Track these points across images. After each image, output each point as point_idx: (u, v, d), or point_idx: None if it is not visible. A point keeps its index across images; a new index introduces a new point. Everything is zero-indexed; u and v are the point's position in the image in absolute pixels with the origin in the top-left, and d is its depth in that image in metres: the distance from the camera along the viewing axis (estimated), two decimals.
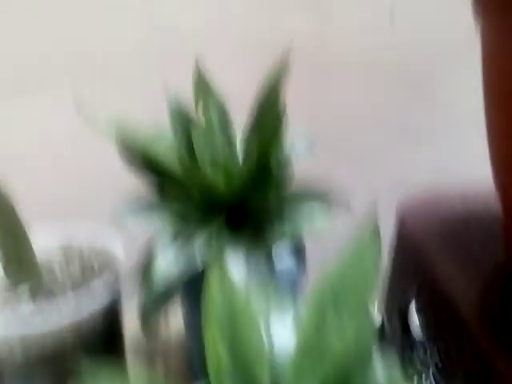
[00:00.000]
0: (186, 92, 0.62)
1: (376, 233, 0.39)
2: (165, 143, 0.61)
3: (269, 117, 0.57)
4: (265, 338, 0.39)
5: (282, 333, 0.40)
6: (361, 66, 0.82)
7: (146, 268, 0.55)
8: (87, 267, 0.65)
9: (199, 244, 0.54)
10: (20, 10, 0.73)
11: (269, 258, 0.56)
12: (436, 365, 0.52)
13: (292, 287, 0.61)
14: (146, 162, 0.59)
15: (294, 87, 0.58)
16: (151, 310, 0.54)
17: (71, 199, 0.80)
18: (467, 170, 0.85)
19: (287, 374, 0.36)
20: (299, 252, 0.61)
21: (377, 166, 0.88)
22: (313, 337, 0.37)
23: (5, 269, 0.60)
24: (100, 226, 0.67)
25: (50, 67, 0.76)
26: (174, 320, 0.73)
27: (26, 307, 0.58)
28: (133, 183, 0.60)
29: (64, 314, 0.55)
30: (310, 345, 0.37)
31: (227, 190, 0.57)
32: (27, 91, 0.77)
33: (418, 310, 0.55)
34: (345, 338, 0.37)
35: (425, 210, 0.63)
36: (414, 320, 0.57)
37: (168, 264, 0.52)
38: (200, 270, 0.54)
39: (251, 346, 0.37)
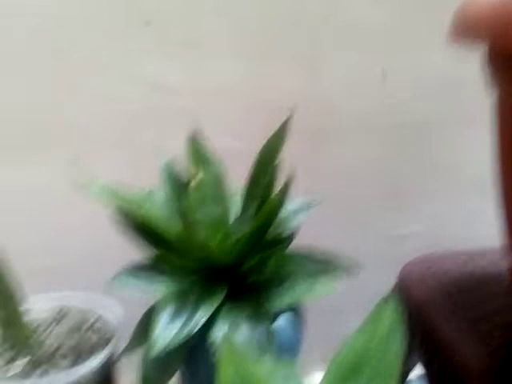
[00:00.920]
0: (179, 153, 0.61)
1: (398, 315, 0.38)
2: (158, 207, 0.60)
3: (267, 176, 0.57)
4: None
5: None
6: (356, 124, 0.82)
7: (145, 338, 0.53)
8: (82, 330, 0.63)
9: (200, 315, 0.53)
10: (13, 73, 0.72)
11: (268, 325, 0.54)
12: None
13: (291, 349, 0.60)
14: (140, 228, 0.58)
15: (291, 146, 0.58)
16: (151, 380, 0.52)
17: (66, 267, 0.78)
18: (463, 227, 0.86)
19: None
20: (297, 314, 0.60)
21: (373, 226, 0.87)
22: None
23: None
24: (95, 292, 0.65)
25: (42, 130, 0.75)
26: None
27: (20, 369, 0.57)
28: (129, 250, 0.58)
29: (57, 374, 0.54)
30: None
31: (222, 251, 0.56)
32: (21, 156, 0.76)
33: (424, 368, 0.54)
34: None
35: (430, 269, 0.62)
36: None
37: (168, 335, 0.50)
38: (200, 342, 0.53)
39: None
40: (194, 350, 0.54)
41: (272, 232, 0.57)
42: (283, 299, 0.57)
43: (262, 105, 0.76)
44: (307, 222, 0.60)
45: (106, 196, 0.55)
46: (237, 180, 0.62)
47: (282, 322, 0.58)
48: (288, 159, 0.56)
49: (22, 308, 0.58)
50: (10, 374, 0.57)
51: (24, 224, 0.76)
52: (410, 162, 0.85)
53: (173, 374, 0.55)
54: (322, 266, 0.57)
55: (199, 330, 0.52)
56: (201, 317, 0.52)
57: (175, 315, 0.52)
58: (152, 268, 0.58)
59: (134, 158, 0.75)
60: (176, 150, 0.61)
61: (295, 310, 0.60)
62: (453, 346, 0.50)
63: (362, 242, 0.85)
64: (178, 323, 0.51)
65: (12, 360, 0.59)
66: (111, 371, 0.59)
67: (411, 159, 0.85)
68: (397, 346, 0.36)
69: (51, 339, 0.62)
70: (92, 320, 0.64)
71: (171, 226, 0.57)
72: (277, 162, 0.57)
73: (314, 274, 0.57)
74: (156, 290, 0.56)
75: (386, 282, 0.62)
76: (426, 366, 0.53)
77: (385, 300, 0.38)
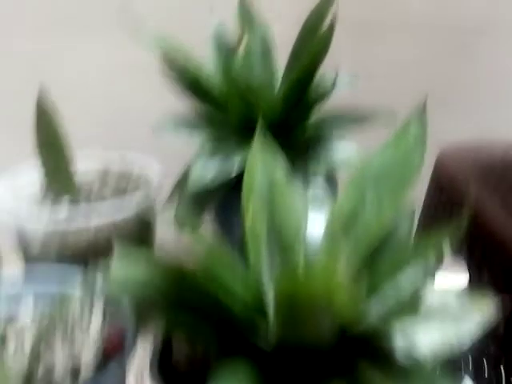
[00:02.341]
0: (229, 21, 0.62)
1: (423, 124, 0.39)
2: (205, 67, 0.61)
3: (312, 42, 0.57)
4: (302, 212, 0.39)
5: (317, 213, 0.40)
6: (406, 22, 0.81)
7: (183, 179, 0.56)
8: (123, 182, 0.67)
9: (236, 159, 0.54)
10: None
11: (304, 182, 0.56)
12: None
13: None
14: (186, 79, 0.59)
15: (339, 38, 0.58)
16: (186, 215, 0.54)
17: (113, 130, 0.81)
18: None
19: (322, 240, 0.36)
20: (332, 180, 0.61)
21: None
22: (349, 209, 0.37)
23: (45, 179, 0.61)
24: (138, 152, 0.68)
25: (98, 4, 0.77)
26: None
27: (63, 208, 0.60)
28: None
29: (98, 216, 0.57)
30: (346, 215, 0.37)
31: (264, 113, 0.57)
32: (75, 27, 0.78)
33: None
34: (382, 213, 0.37)
35: (465, 154, 0.63)
36: None
37: (204, 172, 0.53)
38: (235, 190, 0.55)
39: (289, 218, 0.38)
40: (228, 196, 0.56)
41: (314, 92, 0.58)
42: (321, 162, 0.58)
43: None
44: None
45: (156, 42, 0.56)
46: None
47: (317, 186, 0.59)
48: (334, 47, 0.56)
49: (69, 154, 0.61)
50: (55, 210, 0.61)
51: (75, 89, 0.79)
52: (461, 68, 0.84)
53: (204, 214, 0.57)
54: (362, 119, 0.58)
55: (235, 177, 0.54)
56: (237, 161, 0.54)
57: (212, 158, 0.54)
58: (194, 121, 0.60)
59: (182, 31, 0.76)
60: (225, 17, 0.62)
61: (331, 177, 0.61)
62: (482, 215, 0.51)
63: None
64: (215, 164, 0.54)
65: (57, 202, 0.62)
66: (150, 217, 0.62)
67: (463, 65, 0.84)
68: (419, 157, 0.37)
69: (96, 188, 0.65)
70: (136, 172, 0.67)
71: (218, 83, 0.58)
72: (323, 27, 0.57)
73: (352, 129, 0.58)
74: (196, 140, 0.58)
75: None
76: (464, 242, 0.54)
77: (410, 117, 0.39)
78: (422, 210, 0.64)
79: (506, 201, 0.53)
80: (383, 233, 0.36)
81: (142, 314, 0.38)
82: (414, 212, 0.39)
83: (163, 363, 0.40)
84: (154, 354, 0.40)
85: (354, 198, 0.37)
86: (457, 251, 0.54)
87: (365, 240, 0.36)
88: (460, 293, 0.38)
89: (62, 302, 0.39)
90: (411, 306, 0.35)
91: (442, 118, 0.85)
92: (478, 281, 0.50)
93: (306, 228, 0.38)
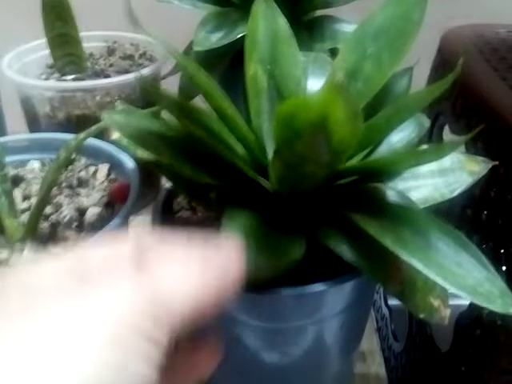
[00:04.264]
0: None
1: None
2: None
3: None
4: (303, 65, 0.39)
5: (319, 72, 0.41)
6: None
7: (187, 51, 0.56)
8: (128, 61, 0.66)
9: (241, 27, 0.54)
10: None
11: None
12: None
13: None
14: None
15: None
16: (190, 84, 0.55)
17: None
18: None
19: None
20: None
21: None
22: (350, 63, 0.38)
23: (51, 48, 0.61)
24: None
25: None
26: None
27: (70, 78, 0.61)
28: None
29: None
30: (347, 68, 0.37)
31: None
32: None
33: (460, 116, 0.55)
34: (381, 67, 0.37)
35: (470, 33, 0.63)
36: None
37: (209, 35, 0.53)
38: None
39: (290, 69, 0.38)
40: (233, 63, 0.56)
41: None
42: (326, 39, 0.58)
43: None
44: None
45: None
46: None
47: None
48: None
49: (75, 24, 0.61)
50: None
51: None
52: None
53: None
54: None
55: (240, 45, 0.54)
56: (242, 30, 0.54)
57: (217, 26, 0.54)
58: None
59: None
60: None
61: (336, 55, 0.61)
62: (479, 85, 0.52)
63: None
64: (220, 30, 0.54)
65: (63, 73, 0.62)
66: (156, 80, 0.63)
67: None
68: (419, 14, 0.38)
69: (101, 65, 0.65)
70: (142, 50, 0.67)
71: None
72: None
73: None
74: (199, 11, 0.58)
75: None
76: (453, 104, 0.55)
77: None
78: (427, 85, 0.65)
79: (503, 76, 0.53)
80: (382, 87, 0.37)
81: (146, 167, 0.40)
82: (412, 68, 0.40)
83: (165, 213, 0.42)
84: (156, 204, 0.42)
85: (355, 53, 0.38)
86: (454, 123, 0.55)
87: (364, 93, 0.37)
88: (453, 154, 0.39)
89: (66, 153, 0.40)
90: (404, 156, 0.36)
91: (446, 5, 0.84)
92: (473, 152, 0.51)
93: (306, 79, 0.38)
